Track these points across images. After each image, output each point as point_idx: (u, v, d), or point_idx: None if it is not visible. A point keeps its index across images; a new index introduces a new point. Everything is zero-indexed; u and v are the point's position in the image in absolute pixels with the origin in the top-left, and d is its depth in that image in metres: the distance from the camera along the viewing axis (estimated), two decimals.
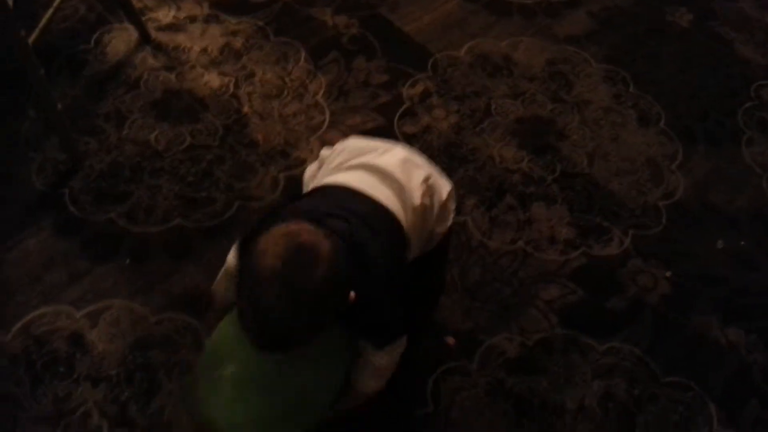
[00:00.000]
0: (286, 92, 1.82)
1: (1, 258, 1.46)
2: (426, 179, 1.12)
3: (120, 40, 1.90)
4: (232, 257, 1.11)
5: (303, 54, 1.90)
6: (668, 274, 1.51)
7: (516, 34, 2.00)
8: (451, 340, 1.38)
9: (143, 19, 1.91)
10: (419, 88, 1.84)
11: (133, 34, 1.91)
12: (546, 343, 1.39)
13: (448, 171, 1.65)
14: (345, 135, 1.73)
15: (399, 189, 1.07)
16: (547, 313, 1.43)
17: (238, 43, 1.92)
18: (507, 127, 1.77)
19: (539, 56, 1.95)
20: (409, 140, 1.72)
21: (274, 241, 0.87)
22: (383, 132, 1.72)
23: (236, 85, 1.82)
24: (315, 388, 1.06)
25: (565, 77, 1.90)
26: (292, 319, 0.86)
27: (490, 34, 2.00)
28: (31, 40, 1.47)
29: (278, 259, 0.85)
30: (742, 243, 1.59)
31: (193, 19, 1.98)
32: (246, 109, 1.77)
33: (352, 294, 0.93)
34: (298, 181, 1.59)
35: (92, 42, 1.88)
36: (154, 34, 1.92)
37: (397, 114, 1.78)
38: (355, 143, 1.18)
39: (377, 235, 1.00)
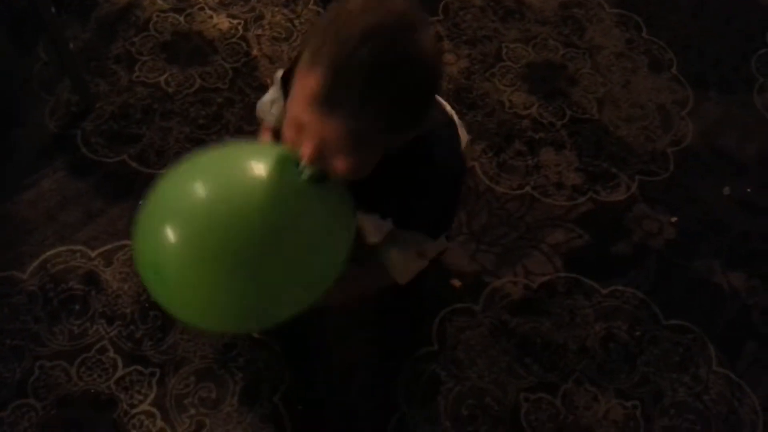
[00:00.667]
0: (295, 35, 1.74)
1: (17, 198, 1.44)
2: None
3: None
4: (278, 75, 0.98)
5: None
6: (674, 219, 1.47)
7: None
8: (457, 283, 1.35)
9: None
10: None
11: None
12: (550, 285, 1.37)
13: (458, 116, 1.60)
14: None
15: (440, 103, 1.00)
16: (552, 257, 1.40)
17: None
18: (518, 72, 1.69)
19: (552, 0, 1.84)
20: None
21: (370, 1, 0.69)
22: None
23: (245, 28, 1.74)
24: (300, 266, 0.77)
25: (578, 21, 1.80)
26: (373, 77, 0.66)
27: None
28: None
29: (380, 11, 0.68)
30: (749, 190, 1.54)
31: None
32: (255, 52, 1.70)
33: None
34: None
35: None
36: None
37: None
38: None
39: (441, 127, 0.88)
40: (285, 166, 0.76)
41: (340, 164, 0.73)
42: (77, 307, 1.30)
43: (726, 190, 1.53)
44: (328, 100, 0.68)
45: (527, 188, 1.50)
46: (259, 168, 0.78)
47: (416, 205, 0.87)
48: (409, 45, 0.68)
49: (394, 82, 0.68)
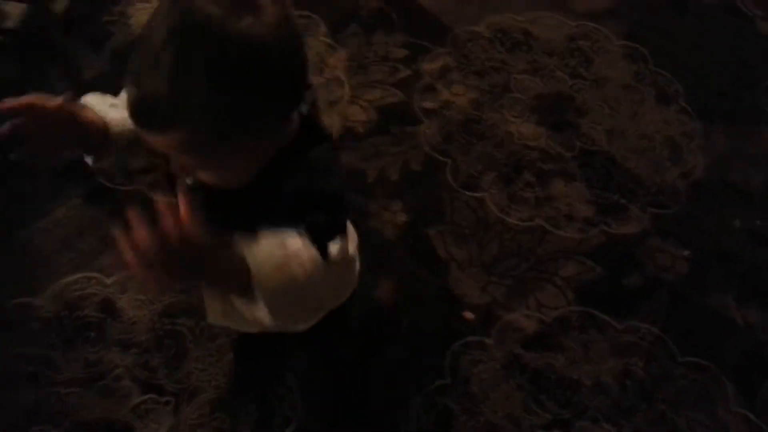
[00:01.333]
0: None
1: (33, 226, 1.40)
2: None
3: (143, 11, 1.79)
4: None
5: (322, 28, 1.78)
6: (686, 253, 1.42)
7: (535, 9, 1.86)
8: (469, 315, 1.30)
9: None
10: (439, 63, 1.73)
11: (155, 4, 1.80)
12: (563, 319, 1.31)
13: (467, 147, 1.56)
14: (365, 110, 1.64)
15: None
16: (565, 290, 1.35)
17: None
18: (526, 103, 1.65)
19: (559, 32, 1.81)
20: (429, 116, 1.62)
21: None
22: (402, 107, 1.62)
23: None
24: None
25: (585, 53, 1.77)
26: (177, 84, 0.55)
27: (510, 8, 1.86)
28: (58, 9, 1.38)
29: (186, 9, 0.56)
30: (758, 222, 1.48)
31: None
32: None
33: (304, 110, 0.66)
34: None
35: (116, 14, 1.78)
36: None
37: (416, 89, 1.67)
38: None
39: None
40: None
41: (203, 175, 0.64)
42: (93, 334, 1.26)
43: (737, 223, 1.48)
44: (140, 117, 0.58)
45: (538, 220, 1.45)
46: None
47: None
48: (223, 38, 0.56)
49: (205, 83, 0.55)
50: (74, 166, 1.48)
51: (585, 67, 1.74)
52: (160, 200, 0.57)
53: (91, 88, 1.66)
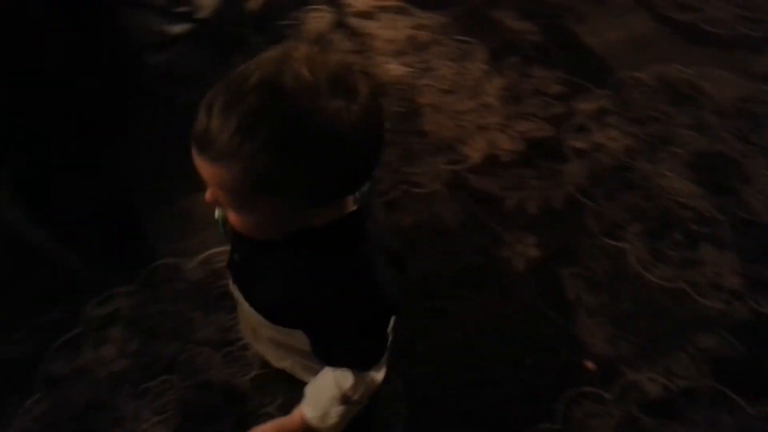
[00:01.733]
0: (461, 89, 1.78)
1: (194, 197, 1.55)
2: None
3: (318, 20, 1.96)
4: None
5: (483, 54, 1.85)
6: None
7: (709, 64, 1.81)
8: (590, 365, 1.28)
9: (341, 3, 1.96)
10: (595, 104, 1.72)
11: (330, 16, 1.96)
12: (692, 392, 1.25)
13: (614, 194, 1.54)
14: (513, 139, 1.67)
15: None
16: (699, 362, 1.29)
17: (423, 36, 1.90)
18: (685, 160, 1.60)
19: (731, 91, 1.74)
20: (578, 155, 1.62)
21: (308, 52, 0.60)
22: (551, 143, 1.64)
23: (416, 77, 1.81)
24: None
25: (757, 118, 1.68)
26: (244, 125, 0.57)
27: (681, 60, 1.82)
28: (252, 7, 1.54)
29: (289, 71, 0.58)
30: None
31: (385, 9, 1.99)
32: (421, 100, 1.75)
33: (354, 198, 0.68)
34: (461, 176, 1.57)
35: (293, 18, 1.95)
36: (348, 18, 1.96)
37: (569, 127, 1.68)
38: None
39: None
40: None
41: (231, 215, 0.67)
42: (230, 302, 1.37)
43: None
44: (198, 141, 0.60)
45: (680, 282, 1.40)
46: None
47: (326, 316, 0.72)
48: (305, 108, 0.57)
49: (268, 138, 0.57)
50: None
51: (756, 132, 1.66)
52: None
53: None
